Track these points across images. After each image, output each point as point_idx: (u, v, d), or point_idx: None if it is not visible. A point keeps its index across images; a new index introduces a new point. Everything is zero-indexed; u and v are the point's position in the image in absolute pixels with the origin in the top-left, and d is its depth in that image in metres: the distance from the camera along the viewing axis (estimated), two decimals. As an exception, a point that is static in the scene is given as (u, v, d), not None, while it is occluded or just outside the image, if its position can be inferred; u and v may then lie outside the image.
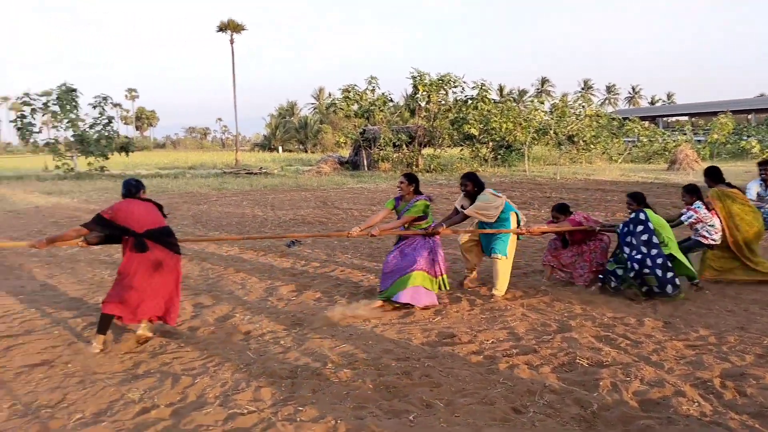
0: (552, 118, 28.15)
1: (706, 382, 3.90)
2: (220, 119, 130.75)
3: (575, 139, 28.83)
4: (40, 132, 30.29)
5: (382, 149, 28.70)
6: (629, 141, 36.58)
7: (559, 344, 4.67)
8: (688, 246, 6.38)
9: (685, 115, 57.24)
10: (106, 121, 30.01)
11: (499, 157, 30.07)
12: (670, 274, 5.68)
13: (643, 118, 42.06)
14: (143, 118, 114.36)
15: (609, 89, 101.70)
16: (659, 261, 5.67)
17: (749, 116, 48.98)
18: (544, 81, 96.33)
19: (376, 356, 4.45)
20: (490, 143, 29.40)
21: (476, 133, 28.07)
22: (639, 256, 5.74)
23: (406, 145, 29.28)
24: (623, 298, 5.90)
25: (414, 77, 28.53)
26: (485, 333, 4.99)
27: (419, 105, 30.39)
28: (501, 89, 79.39)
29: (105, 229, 4.70)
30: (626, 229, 5.94)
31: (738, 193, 6.49)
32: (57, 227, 11.65)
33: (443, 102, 29.31)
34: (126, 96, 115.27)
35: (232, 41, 45.60)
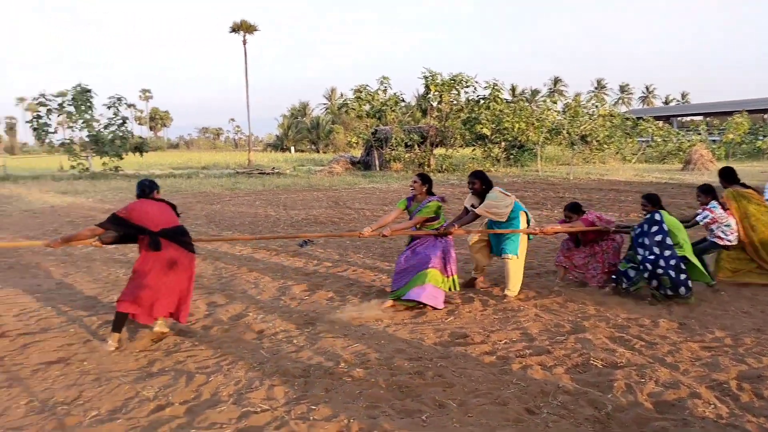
0: (565, 118, 28.01)
1: (723, 384, 3.86)
2: (232, 119, 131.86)
3: (588, 138, 28.65)
4: (55, 132, 30.61)
5: (393, 149, 28.70)
6: (643, 141, 36.31)
7: (573, 345, 4.65)
8: (703, 247, 6.31)
9: (699, 115, 56.66)
10: (121, 121, 30.26)
11: (511, 157, 29.96)
12: (683, 276, 5.62)
13: (657, 118, 41.67)
14: (157, 119, 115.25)
15: (622, 89, 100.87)
16: (672, 262, 5.61)
17: (765, 116, 48.40)
18: (556, 80, 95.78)
19: (389, 356, 4.45)
20: (503, 143, 29.29)
21: (488, 133, 27.98)
22: (652, 257, 5.69)
23: (418, 145, 29.27)
24: (637, 299, 5.85)
25: (426, 77, 28.51)
26: (498, 333, 4.97)
27: (431, 105, 30.35)
28: (513, 89, 79.06)
29: (120, 228, 4.75)
30: (640, 229, 5.89)
31: (754, 194, 6.41)
32: (72, 226, 11.77)
33: (455, 102, 29.25)
34: (140, 96, 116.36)
35: (244, 42, 45.81)
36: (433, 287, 5.58)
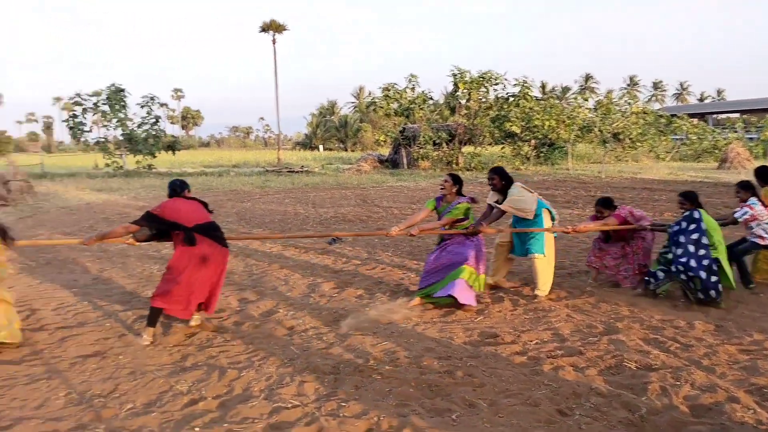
0: (597, 116, 27.57)
1: (762, 388, 3.76)
2: (262, 118, 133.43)
3: (621, 136, 28.12)
4: (90, 131, 31.41)
5: (421, 147, 28.62)
6: (677, 139, 35.49)
7: (606, 346, 4.58)
8: (744, 249, 6.13)
9: (736, 112, 55.10)
10: (154, 120, 30.86)
11: (541, 155, 29.63)
12: (714, 278, 5.46)
13: (691, 115, 40.73)
14: (189, 118, 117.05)
15: (656, 85, 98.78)
16: (705, 263, 5.47)
17: (806, 113, 46.84)
18: (588, 77, 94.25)
19: (418, 354, 4.45)
20: (533, 141, 28.97)
21: (518, 131, 27.71)
22: (684, 258, 5.56)
23: (446, 144, 29.13)
24: (672, 300, 5.74)
25: (454, 75, 28.37)
26: (529, 333, 4.92)
27: (459, 103, 30.20)
28: (543, 86, 78.06)
29: (154, 225, 4.85)
30: (678, 227, 5.75)
31: None
32: (107, 223, 12.05)
33: (484, 99, 29.03)
34: (172, 96, 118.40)
35: (274, 41, 46.19)
36: (466, 284, 5.53)
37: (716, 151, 31.52)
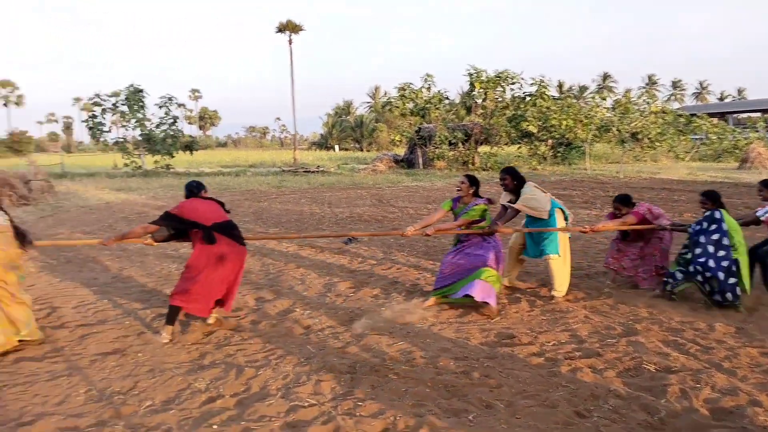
0: (615, 115, 27.33)
1: (785, 392, 3.69)
2: (278, 119, 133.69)
3: (639, 136, 27.82)
4: (109, 131, 31.79)
5: (437, 147, 28.56)
6: (697, 138, 35.03)
7: (625, 348, 4.53)
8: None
9: (757, 111, 54.20)
10: (172, 120, 31.18)
11: (558, 155, 29.42)
12: (732, 280, 5.37)
13: (711, 115, 40.15)
14: (206, 118, 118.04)
15: (675, 85, 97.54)
16: (724, 264, 5.38)
17: (830, 112, 45.94)
18: (605, 76, 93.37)
19: (434, 355, 4.44)
20: (549, 141, 28.77)
21: (535, 131, 27.55)
22: (703, 258, 5.48)
23: (462, 143, 29.05)
24: (692, 302, 5.66)
25: (470, 74, 28.28)
26: (546, 335, 4.89)
27: (476, 102, 30.13)
28: (560, 85, 77.59)
29: (174, 224, 4.90)
30: (699, 227, 5.67)
31: None
32: (126, 222, 12.19)
33: (500, 99, 28.90)
34: (190, 96, 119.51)
35: (290, 42, 46.44)
36: (488, 284, 5.47)
37: (737, 150, 31.05)
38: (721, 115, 50.48)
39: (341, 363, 4.29)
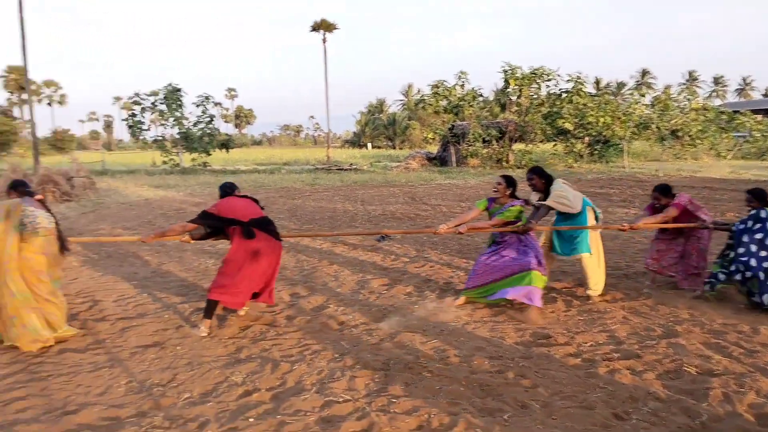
0: (654, 112, 26.72)
1: (835, 398, 3.55)
2: (312, 117, 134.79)
3: (680, 133, 27.14)
4: (148, 129, 32.49)
5: (471, 145, 28.36)
6: (740, 136, 33.92)
7: (665, 350, 4.43)
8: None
9: (805, 108, 52.29)
10: (208, 119, 31.70)
11: (595, 152, 28.87)
12: None
13: (755, 112, 38.74)
14: (241, 117, 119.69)
15: (716, 81, 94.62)
16: (765, 265, 5.20)
17: None
18: (644, 72, 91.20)
19: (468, 353, 4.41)
20: (586, 138, 28.27)
21: (571, 128, 27.09)
22: (745, 257, 5.30)
23: (496, 141, 28.78)
24: (735, 304, 5.49)
25: (505, 71, 28.00)
26: (583, 335, 4.81)
27: (510, 99, 29.77)
28: (597, 82, 75.98)
29: (211, 222, 5.01)
30: (743, 226, 5.49)
31: None
32: (165, 218, 12.45)
33: (535, 96, 28.52)
34: (226, 95, 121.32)
35: (324, 40, 46.68)
36: (533, 287, 5.29)
37: (783, 148, 29.98)
38: (766, 112, 48.79)
39: (375, 360, 4.31)
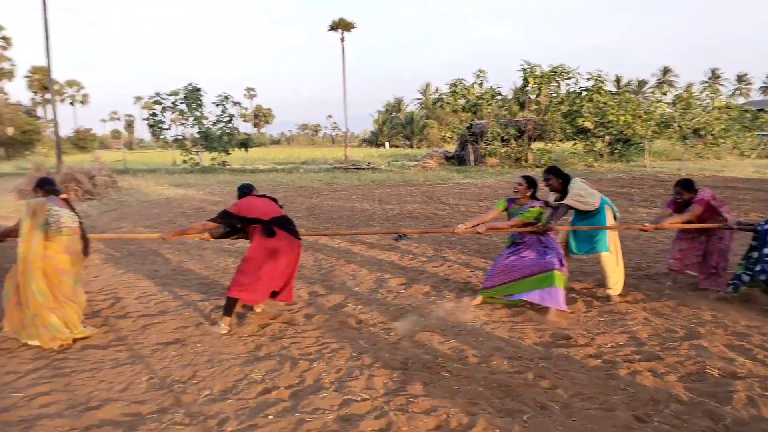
0: (676, 110, 26.32)
1: None
2: (330, 116, 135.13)
3: (702, 132, 26.70)
4: (169, 129, 32.89)
5: (489, 144, 28.21)
6: (764, 135, 33.29)
7: (687, 352, 4.36)
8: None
9: (833, 106, 51.15)
10: (228, 118, 31.98)
11: (615, 151, 28.54)
12: None
13: (781, 110, 38.03)
14: (260, 116, 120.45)
15: (740, 78, 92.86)
16: None
17: None
18: (666, 71, 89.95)
19: (487, 354, 4.40)
20: (606, 137, 27.96)
21: (591, 127, 26.81)
22: None
23: (515, 140, 28.59)
24: (760, 305, 5.40)
25: (524, 69, 27.85)
26: (603, 336, 4.76)
27: (529, 98, 29.58)
28: (618, 80, 75.10)
29: (232, 221, 5.07)
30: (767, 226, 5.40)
31: None
32: (185, 217, 12.58)
33: (555, 94, 28.29)
34: (245, 95, 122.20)
35: (342, 40, 46.81)
36: (557, 288, 5.25)
37: (809, 147, 29.36)
38: (792, 110, 47.81)
39: (393, 359, 4.31)
